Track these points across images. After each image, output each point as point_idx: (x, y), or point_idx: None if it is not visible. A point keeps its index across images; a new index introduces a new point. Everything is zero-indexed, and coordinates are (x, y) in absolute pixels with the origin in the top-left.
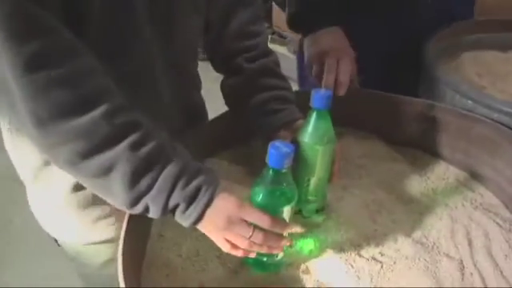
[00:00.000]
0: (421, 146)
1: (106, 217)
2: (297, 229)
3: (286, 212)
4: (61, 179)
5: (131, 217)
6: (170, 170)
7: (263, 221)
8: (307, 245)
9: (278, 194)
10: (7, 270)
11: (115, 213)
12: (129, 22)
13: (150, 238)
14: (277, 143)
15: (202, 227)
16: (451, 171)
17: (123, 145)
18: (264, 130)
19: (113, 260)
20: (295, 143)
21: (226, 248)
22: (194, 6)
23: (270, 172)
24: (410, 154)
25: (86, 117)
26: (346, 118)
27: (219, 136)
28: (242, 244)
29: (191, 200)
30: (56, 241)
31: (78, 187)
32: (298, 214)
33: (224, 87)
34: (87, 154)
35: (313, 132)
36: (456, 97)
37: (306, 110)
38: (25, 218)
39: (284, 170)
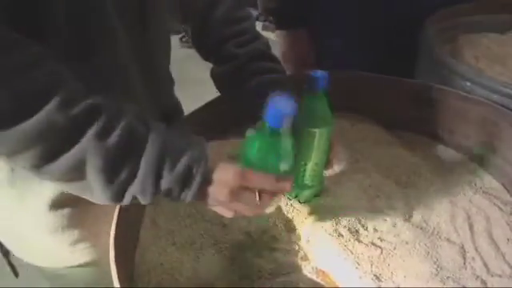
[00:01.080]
0: (418, 129)
1: (83, 240)
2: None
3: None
4: (33, 199)
5: (122, 208)
6: (149, 152)
7: (268, 184)
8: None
9: (273, 154)
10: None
11: (93, 236)
12: (98, 22)
13: (142, 226)
14: (277, 98)
15: (203, 203)
16: (450, 154)
17: (87, 138)
18: (259, 114)
19: (96, 283)
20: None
21: (230, 215)
22: (167, 4)
23: (267, 129)
24: (408, 137)
25: (35, 119)
26: (341, 100)
27: (208, 123)
28: (249, 212)
29: (184, 182)
30: (14, 273)
31: (54, 206)
32: (294, 199)
33: (215, 75)
34: (50, 157)
35: (309, 115)
36: (455, 78)
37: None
38: None
39: (282, 130)
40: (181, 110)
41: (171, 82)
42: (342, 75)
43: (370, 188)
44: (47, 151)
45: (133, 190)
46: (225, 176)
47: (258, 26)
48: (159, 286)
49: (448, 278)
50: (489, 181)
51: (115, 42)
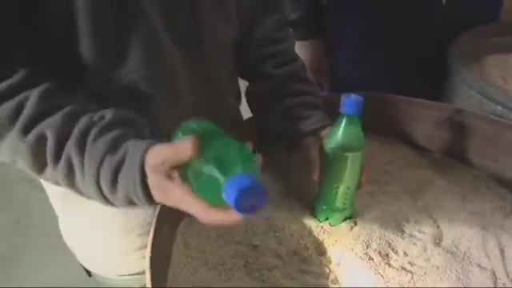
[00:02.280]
0: (448, 152)
1: (138, 249)
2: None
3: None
4: (91, 206)
5: (158, 224)
6: (88, 179)
7: (199, 217)
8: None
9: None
10: (14, 272)
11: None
12: (143, 37)
13: (175, 247)
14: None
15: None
16: (480, 178)
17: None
18: (291, 137)
19: None
20: (323, 150)
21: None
22: (219, 12)
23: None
24: (437, 161)
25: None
26: (370, 123)
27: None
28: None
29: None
30: (87, 272)
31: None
32: (325, 222)
33: (249, 93)
34: (37, 171)
35: (343, 139)
36: (484, 101)
37: (333, 116)
38: (32, 218)
39: None
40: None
41: (233, 95)
42: (371, 97)
43: (400, 211)
44: (28, 166)
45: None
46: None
47: None
48: None
49: None
50: None
51: (163, 55)
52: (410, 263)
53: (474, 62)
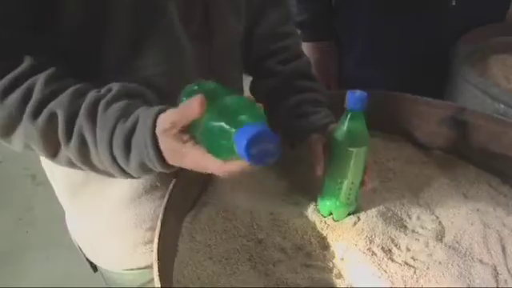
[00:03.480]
0: (450, 150)
1: (146, 243)
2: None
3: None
4: (99, 200)
5: (165, 218)
6: (101, 150)
7: (214, 170)
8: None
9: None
10: (16, 269)
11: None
12: (161, 28)
13: (181, 240)
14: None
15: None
16: (482, 176)
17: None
18: (296, 133)
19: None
20: (329, 145)
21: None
22: (232, 7)
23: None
24: (440, 158)
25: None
26: (374, 120)
27: None
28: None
29: (143, 168)
30: (93, 267)
31: (122, 207)
32: (328, 217)
33: (254, 89)
34: (51, 154)
35: (347, 134)
36: (487, 100)
37: (339, 112)
38: (33, 215)
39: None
40: None
41: (241, 91)
42: (376, 95)
43: (403, 207)
44: (41, 149)
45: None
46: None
47: None
48: None
49: None
50: None
51: (180, 50)
52: (413, 258)
53: (478, 61)
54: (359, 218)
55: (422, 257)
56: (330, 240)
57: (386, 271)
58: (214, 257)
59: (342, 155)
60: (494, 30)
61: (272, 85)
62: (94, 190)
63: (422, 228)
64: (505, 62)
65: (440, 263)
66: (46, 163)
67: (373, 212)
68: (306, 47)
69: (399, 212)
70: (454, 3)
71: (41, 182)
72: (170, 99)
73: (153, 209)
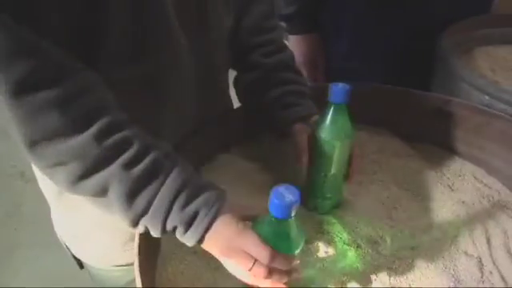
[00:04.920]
0: (436, 142)
1: (134, 239)
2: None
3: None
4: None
5: None
6: (167, 187)
7: (263, 257)
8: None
9: (283, 243)
10: (5, 266)
11: None
12: (159, 25)
13: (164, 235)
14: (280, 189)
15: (206, 248)
16: (468, 168)
17: (115, 165)
18: (279, 124)
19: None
20: (312, 138)
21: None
22: (224, 4)
23: (273, 221)
24: (425, 150)
25: (76, 139)
26: (359, 113)
27: (231, 131)
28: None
29: (189, 223)
30: (79, 264)
31: None
32: (313, 210)
33: (238, 83)
34: (81, 176)
35: (330, 127)
36: (472, 92)
37: (322, 105)
38: (23, 212)
39: (290, 220)
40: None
41: (227, 83)
42: (360, 87)
43: (388, 200)
44: (79, 171)
45: (144, 221)
46: (225, 229)
47: None
48: None
49: None
50: (506, 195)
51: (173, 42)
52: (398, 250)
53: (464, 53)
54: (344, 211)
55: (407, 249)
56: (315, 233)
57: (370, 263)
58: (199, 251)
59: (325, 148)
60: (479, 22)
61: (256, 77)
62: None
63: (408, 220)
64: (490, 54)
65: (425, 255)
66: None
67: (358, 205)
68: (293, 40)
69: (385, 204)
70: None
71: (29, 179)
72: (165, 94)
73: None
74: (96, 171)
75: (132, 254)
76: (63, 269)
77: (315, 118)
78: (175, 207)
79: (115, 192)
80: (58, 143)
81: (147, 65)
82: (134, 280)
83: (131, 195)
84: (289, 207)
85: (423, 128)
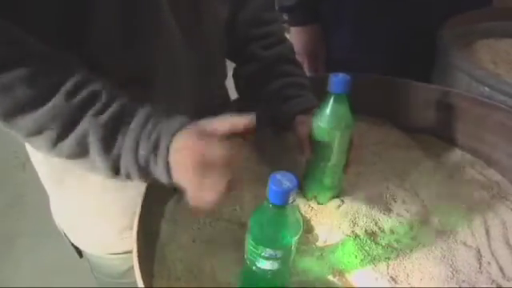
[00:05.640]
0: (436, 133)
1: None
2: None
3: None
4: (85, 184)
5: (146, 200)
6: (133, 125)
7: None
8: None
9: (281, 229)
10: (7, 256)
11: None
12: (150, 12)
13: (163, 223)
14: (278, 176)
15: (176, 178)
16: (467, 159)
17: (86, 118)
18: (281, 117)
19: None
20: (312, 128)
21: (208, 197)
22: None
23: (271, 207)
24: (425, 141)
25: (47, 106)
26: (359, 104)
27: None
28: (220, 187)
29: (155, 147)
30: (78, 252)
31: (107, 190)
32: (312, 200)
33: (237, 75)
34: (58, 139)
35: (330, 117)
36: (472, 84)
37: (321, 96)
38: (24, 202)
39: (288, 206)
40: (229, 101)
41: (224, 73)
42: (361, 78)
43: (387, 190)
44: (56, 133)
45: (123, 162)
46: (186, 140)
47: None
48: (178, 281)
49: (463, 281)
50: (506, 186)
51: (166, 30)
52: (397, 241)
53: (465, 46)
54: (343, 201)
55: (406, 239)
56: (314, 223)
57: (369, 253)
58: (197, 239)
59: (325, 138)
60: (481, 16)
61: (255, 69)
62: (80, 174)
63: (407, 211)
64: (492, 47)
65: (424, 246)
66: (32, 149)
67: (357, 195)
68: (294, 31)
69: (384, 195)
70: None
71: (31, 169)
72: (160, 88)
73: (138, 192)
74: (70, 131)
75: (130, 242)
76: (65, 258)
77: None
78: (142, 139)
79: (92, 143)
80: (30, 114)
81: (137, 52)
82: (132, 268)
83: (106, 141)
84: (286, 193)
85: (423, 119)
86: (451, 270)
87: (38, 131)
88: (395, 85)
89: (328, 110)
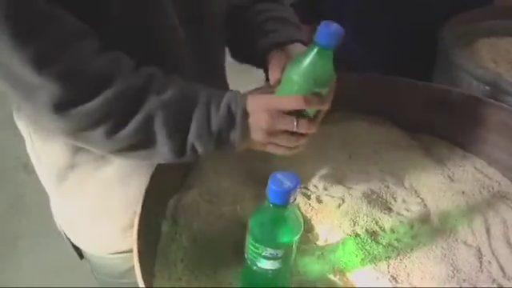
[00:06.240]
0: (436, 133)
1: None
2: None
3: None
4: (86, 184)
5: (146, 199)
6: (200, 102)
7: (299, 104)
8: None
9: (281, 228)
10: (8, 257)
11: None
12: (153, 8)
13: (164, 223)
14: (279, 176)
15: (250, 141)
16: (468, 158)
17: (150, 99)
18: (257, 53)
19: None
20: (283, 76)
21: (280, 151)
22: None
23: (272, 207)
24: (426, 141)
25: (99, 99)
26: (360, 103)
27: None
28: (292, 141)
29: (228, 120)
30: (79, 254)
31: (109, 189)
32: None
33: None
34: (121, 125)
35: (307, 71)
36: (473, 82)
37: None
38: (25, 203)
39: (288, 206)
40: None
41: (224, 69)
42: (362, 77)
43: (388, 190)
44: (117, 121)
45: (191, 138)
46: (258, 103)
47: None
48: (179, 281)
49: (464, 280)
50: (506, 185)
51: (170, 29)
52: (397, 240)
53: (466, 45)
54: (344, 201)
55: (407, 239)
56: (314, 222)
57: (369, 253)
58: (198, 240)
59: (293, 92)
60: (482, 14)
61: (240, 18)
62: (81, 173)
63: (407, 210)
64: (493, 46)
65: (424, 245)
66: (32, 150)
67: (358, 194)
68: None
69: (384, 194)
70: None
71: (33, 170)
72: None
73: (140, 190)
74: (134, 114)
75: (131, 241)
76: (65, 259)
77: (297, 46)
78: (212, 113)
79: (158, 122)
80: (83, 106)
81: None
82: (133, 268)
83: (172, 120)
84: (287, 193)
85: (424, 118)
86: (452, 269)
87: (93, 124)
88: (396, 84)
89: (307, 62)
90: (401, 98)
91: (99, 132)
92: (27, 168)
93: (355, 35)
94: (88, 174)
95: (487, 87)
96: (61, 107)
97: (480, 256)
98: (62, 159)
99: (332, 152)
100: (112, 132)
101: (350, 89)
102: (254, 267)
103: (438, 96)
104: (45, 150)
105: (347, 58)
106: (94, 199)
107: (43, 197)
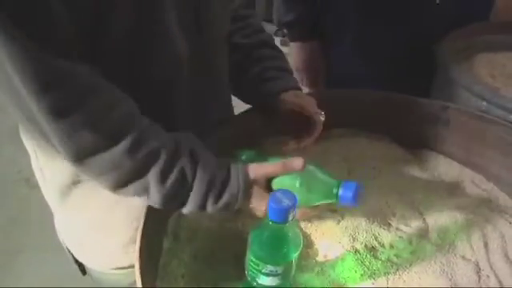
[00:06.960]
0: (435, 148)
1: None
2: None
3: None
4: (90, 200)
5: (148, 216)
6: (196, 191)
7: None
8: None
9: (282, 245)
10: (10, 270)
11: None
12: (154, 23)
13: (165, 238)
14: (278, 194)
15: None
16: (466, 173)
17: (150, 176)
18: (263, 96)
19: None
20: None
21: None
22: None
23: (271, 224)
24: (424, 156)
25: (110, 152)
26: (358, 119)
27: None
28: None
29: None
30: (81, 270)
31: (112, 206)
32: None
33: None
34: (120, 184)
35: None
36: (471, 98)
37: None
38: (28, 216)
39: (287, 224)
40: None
41: (228, 86)
42: (360, 94)
43: (387, 205)
44: (117, 180)
45: (184, 210)
46: (259, 205)
47: (277, 41)
48: None
49: None
50: (504, 200)
51: (171, 42)
52: (396, 255)
53: (464, 59)
54: (343, 217)
55: (405, 254)
56: (314, 238)
57: (368, 268)
58: (199, 255)
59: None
60: (478, 29)
61: (238, 57)
62: (85, 189)
63: (406, 226)
64: (490, 61)
65: (423, 260)
66: (36, 165)
67: (357, 210)
68: (293, 47)
69: (383, 210)
70: (438, 2)
71: (34, 185)
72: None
73: (142, 206)
74: (132, 180)
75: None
76: (67, 274)
77: (298, 93)
78: (208, 203)
79: (152, 200)
80: (93, 158)
81: (144, 67)
82: (135, 283)
83: (166, 202)
84: (286, 211)
85: (422, 134)
86: (450, 283)
87: (101, 174)
88: (394, 100)
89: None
90: (399, 114)
91: (106, 181)
92: (29, 182)
93: (354, 52)
94: (91, 190)
95: (484, 103)
96: (74, 160)
97: (478, 270)
98: (67, 175)
99: (331, 168)
100: (114, 186)
101: (348, 105)
102: (255, 283)
103: (436, 112)
104: (49, 165)
105: (346, 74)
106: (97, 215)
107: (45, 211)
